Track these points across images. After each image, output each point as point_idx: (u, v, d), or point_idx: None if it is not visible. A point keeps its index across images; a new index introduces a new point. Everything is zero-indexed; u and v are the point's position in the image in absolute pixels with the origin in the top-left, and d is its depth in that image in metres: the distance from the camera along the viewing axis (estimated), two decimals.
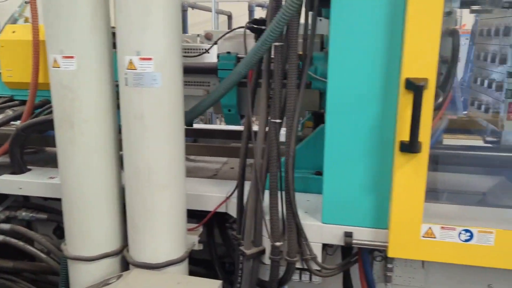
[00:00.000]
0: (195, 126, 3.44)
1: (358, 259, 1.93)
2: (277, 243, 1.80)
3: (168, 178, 1.81)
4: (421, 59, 1.50)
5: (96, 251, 1.94)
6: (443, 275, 2.07)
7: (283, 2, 1.62)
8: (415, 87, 1.48)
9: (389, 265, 2.07)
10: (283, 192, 1.78)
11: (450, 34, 1.96)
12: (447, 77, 1.89)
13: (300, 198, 2.06)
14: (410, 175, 1.60)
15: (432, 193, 2.66)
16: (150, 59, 1.67)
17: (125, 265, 1.97)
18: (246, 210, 1.84)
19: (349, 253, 1.97)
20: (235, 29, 2.09)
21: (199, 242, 2.14)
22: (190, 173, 2.78)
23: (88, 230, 1.92)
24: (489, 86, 2.22)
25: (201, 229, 2.12)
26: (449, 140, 2.22)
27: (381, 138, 1.67)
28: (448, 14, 2.01)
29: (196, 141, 3.26)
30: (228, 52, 2.29)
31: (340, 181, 1.75)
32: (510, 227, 1.65)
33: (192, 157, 3.02)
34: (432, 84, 1.51)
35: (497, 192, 2.68)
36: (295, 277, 1.99)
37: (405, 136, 1.56)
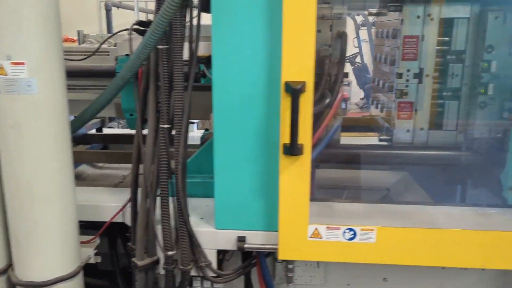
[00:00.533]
0: (106, 131, 3.32)
1: (256, 263, 1.92)
2: (170, 252, 1.75)
3: (52, 190, 1.70)
4: (298, 63, 1.52)
5: None
6: (340, 271, 2.13)
7: None
8: (292, 91, 1.49)
9: (290, 266, 2.09)
10: None
11: (339, 36, 2.00)
12: (336, 78, 1.93)
13: (200, 204, 2.03)
14: (294, 177, 1.61)
15: (337, 191, 2.75)
16: (22, 63, 1.56)
17: (11, 286, 1.84)
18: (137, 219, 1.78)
19: (248, 257, 1.96)
20: (120, 31, 2.01)
21: (99, 254, 2.05)
22: (95, 181, 2.66)
23: None
24: (383, 86, 2.31)
25: (97, 241, 2.02)
26: (347, 139, 2.28)
27: (267, 141, 1.67)
28: (339, 17, 2.06)
29: (107, 147, 3.13)
30: (127, 55, 2.21)
31: (230, 185, 1.73)
32: (394, 224, 1.71)
33: (100, 164, 2.90)
34: (310, 87, 1.52)
35: (400, 188, 2.80)
36: (197, 284, 1.96)
37: (287, 139, 1.56)
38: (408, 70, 2.08)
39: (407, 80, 2.09)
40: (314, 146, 1.89)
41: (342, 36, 1.98)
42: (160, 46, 1.67)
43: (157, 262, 1.80)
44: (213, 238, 1.79)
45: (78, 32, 2.70)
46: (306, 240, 1.66)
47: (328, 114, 1.91)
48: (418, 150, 2.14)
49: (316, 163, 2.43)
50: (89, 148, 2.97)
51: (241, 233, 1.77)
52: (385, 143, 2.24)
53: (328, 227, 1.66)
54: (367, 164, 2.34)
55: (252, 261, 1.94)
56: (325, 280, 2.14)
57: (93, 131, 3.16)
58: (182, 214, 1.72)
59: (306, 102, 1.53)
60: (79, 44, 2.67)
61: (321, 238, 1.66)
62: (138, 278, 1.79)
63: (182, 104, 1.69)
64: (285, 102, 1.54)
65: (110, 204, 2.04)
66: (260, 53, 1.60)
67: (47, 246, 1.73)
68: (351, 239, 1.66)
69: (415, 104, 2.12)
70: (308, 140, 1.57)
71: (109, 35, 2.04)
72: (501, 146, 2.02)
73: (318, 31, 2.07)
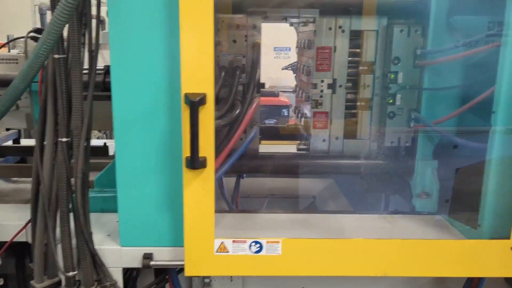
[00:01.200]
0: (24, 142, 3.14)
1: (168, 279, 1.86)
2: (71, 273, 1.66)
3: None
4: (197, 74, 1.48)
5: None
6: (258, 284, 2.10)
7: None
8: (191, 103, 1.46)
9: (206, 280, 2.05)
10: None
11: (252, 47, 2.00)
12: (247, 88, 1.92)
13: (112, 219, 1.94)
14: (198, 191, 1.57)
15: (263, 200, 2.73)
16: None
17: None
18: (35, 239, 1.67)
19: (161, 273, 1.90)
20: (16, 38, 1.89)
21: (2, 275, 1.92)
22: (6, 197, 2.50)
23: None
24: (301, 96, 2.33)
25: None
26: (266, 147, 2.27)
27: (171, 154, 1.62)
28: (254, 27, 2.05)
29: (25, 160, 2.96)
30: None
31: (134, 200, 1.67)
32: (304, 234, 1.71)
33: (15, 178, 2.74)
34: (211, 99, 1.49)
35: (325, 195, 2.83)
36: None
37: (189, 152, 1.52)
38: (322, 81, 2.10)
39: (321, 91, 2.11)
40: (228, 156, 1.87)
41: (255, 47, 1.98)
42: (56, 56, 1.58)
43: (58, 284, 1.70)
44: (118, 256, 1.72)
45: (8, 37, 2.54)
46: (212, 255, 1.63)
47: (241, 124, 1.90)
48: (333, 159, 2.17)
49: (240, 173, 2.42)
50: (3, 161, 2.79)
51: (148, 249, 1.71)
52: (303, 152, 2.25)
53: (234, 240, 1.63)
54: (285, 173, 2.35)
55: (165, 277, 1.88)
56: None
57: (9, 142, 2.98)
58: (82, 232, 1.63)
59: (207, 115, 1.49)
60: (9, 49, 2.50)
61: (227, 252, 1.63)
62: None
63: (82, 115, 1.61)
64: (185, 115, 1.50)
65: (13, 222, 1.91)
66: (160, 64, 1.56)
67: None
68: (257, 251, 1.64)
69: (330, 114, 2.15)
70: (210, 153, 1.54)
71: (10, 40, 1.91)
72: (410, 154, 2.09)
73: (233, 41, 2.06)
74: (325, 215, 2.07)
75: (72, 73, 1.59)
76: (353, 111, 2.16)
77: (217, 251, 1.63)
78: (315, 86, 2.13)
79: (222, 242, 1.63)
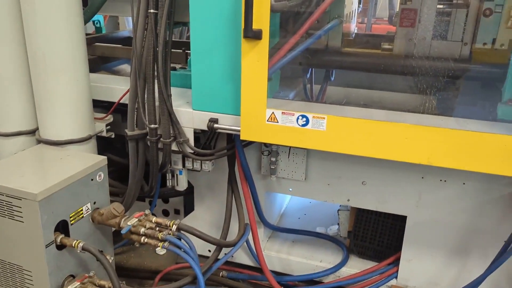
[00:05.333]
0: None
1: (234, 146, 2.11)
2: (152, 126, 2.00)
3: (64, 63, 2.01)
4: None
5: (12, 128, 2.22)
6: (321, 170, 2.23)
7: None
8: None
9: (273, 159, 2.26)
10: None
11: None
12: None
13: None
14: (254, 62, 1.71)
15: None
16: None
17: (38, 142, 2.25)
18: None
19: (232, 141, 2.15)
20: None
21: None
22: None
23: (6, 110, 2.19)
24: None
25: (110, 118, 2.34)
26: None
27: (235, 30, 1.77)
28: None
29: None
30: None
31: (203, 71, 1.89)
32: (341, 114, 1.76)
33: None
34: None
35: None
36: (189, 165, 2.21)
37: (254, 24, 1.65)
38: None
39: None
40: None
41: None
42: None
43: (146, 134, 2.07)
44: (190, 117, 2.00)
45: None
46: (264, 123, 1.79)
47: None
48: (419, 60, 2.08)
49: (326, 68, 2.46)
50: None
51: (214, 115, 1.95)
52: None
53: (283, 112, 1.76)
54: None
55: (234, 145, 2.12)
56: (306, 177, 2.27)
57: None
58: (162, 93, 1.93)
59: None
60: None
61: (277, 122, 1.78)
62: (129, 146, 2.08)
63: None
64: None
65: (118, 86, 2.30)
66: None
67: (62, 112, 2.07)
68: (304, 125, 1.75)
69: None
70: (265, 27, 1.65)
71: None
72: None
73: None
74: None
75: None
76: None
77: (268, 120, 1.79)
78: None
79: (272, 112, 1.78)
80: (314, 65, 2.34)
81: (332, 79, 2.65)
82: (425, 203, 2.11)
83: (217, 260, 2.07)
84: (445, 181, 2.06)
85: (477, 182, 2.01)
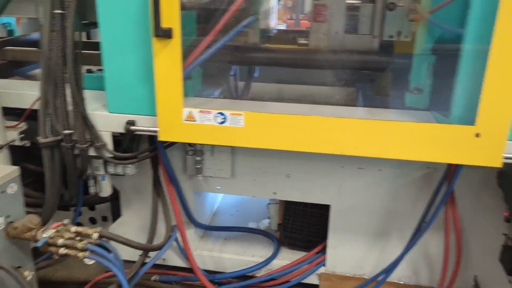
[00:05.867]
0: None
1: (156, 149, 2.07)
2: (66, 131, 1.92)
3: None
4: None
5: None
6: (247, 166, 2.25)
7: None
8: None
9: (198, 158, 2.24)
10: None
11: None
12: None
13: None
14: (166, 61, 1.69)
15: None
16: None
17: None
18: None
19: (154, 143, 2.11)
20: None
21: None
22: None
23: None
24: None
25: (23, 126, 2.21)
26: None
27: (146, 29, 1.73)
28: None
29: None
30: None
31: (116, 72, 1.84)
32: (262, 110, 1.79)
33: None
34: None
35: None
36: (111, 170, 2.14)
37: (163, 23, 1.63)
38: None
39: None
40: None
41: None
42: None
43: (61, 140, 1.97)
44: (106, 121, 1.93)
45: None
46: (181, 123, 1.78)
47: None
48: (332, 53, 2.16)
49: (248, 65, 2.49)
50: None
51: (131, 117, 1.90)
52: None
53: (201, 110, 1.76)
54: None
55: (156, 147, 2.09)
56: (233, 174, 2.28)
57: None
58: (75, 97, 1.86)
59: None
60: None
61: (195, 121, 1.77)
62: (44, 154, 1.98)
63: None
64: None
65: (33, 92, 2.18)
66: None
67: None
68: (222, 122, 1.75)
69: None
70: (176, 25, 1.63)
71: None
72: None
73: None
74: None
75: None
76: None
77: (186, 120, 1.77)
78: None
79: (190, 112, 1.76)
80: (235, 62, 2.35)
81: (256, 75, 2.68)
82: (345, 191, 2.20)
83: (144, 264, 2.03)
84: (363, 168, 2.15)
85: (392, 168, 2.13)
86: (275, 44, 2.38)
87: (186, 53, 1.90)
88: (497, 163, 1.60)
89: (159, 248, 2.00)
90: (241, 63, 2.36)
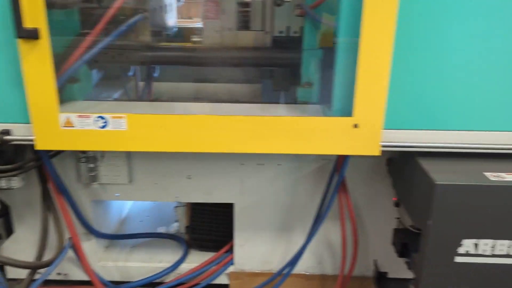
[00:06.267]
0: None
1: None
2: None
3: None
4: None
5: None
6: (146, 170, 2.17)
7: None
8: None
9: (91, 165, 2.12)
10: None
11: None
12: None
13: None
14: (36, 64, 1.57)
15: None
16: None
17: None
18: None
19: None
20: None
21: None
22: None
23: None
24: None
25: None
26: None
27: (10, 28, 1.60)
28: None
29: None
30: None
31: None
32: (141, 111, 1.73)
33: None
34: None
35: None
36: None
37: (27, 22, 1.50)
38: None
39: None
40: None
41: None
42: None
43: None
44: None
45: None
46: (59, 129, 1.66)
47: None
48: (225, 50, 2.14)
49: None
50: None
51: (5, 126, 1.75)
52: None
53: (79, 115, 1.66)
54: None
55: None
56: (131, 179, 2.19)
57: None
58: None
59: None
60: None
61: (74, 127, 1.67)
62: None
63: None
64: None
65: None
66: None
67: None
68: (103, 127, 1.67)
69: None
70: (43, 25, 1.51)
71: None
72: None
73: None
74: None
75: None
76: None
77: (64, 126, 1.66)
78: None
79: (67, 117, 1.65)
80: (127, 62, 2.26)
81: (156, 75, 2.60)
82: (247, 188, 2.19)
83: (32, 281, 1.89)
84: (263, 164, 2.16)
85: (290, 162, 2.15)
86: (171, 43, 2.33)
87: (66, 54, 1.79)
88: (376, 152, 1.66)
89: (48, 264, 1.87)
90: (133, 63, 2.28)
